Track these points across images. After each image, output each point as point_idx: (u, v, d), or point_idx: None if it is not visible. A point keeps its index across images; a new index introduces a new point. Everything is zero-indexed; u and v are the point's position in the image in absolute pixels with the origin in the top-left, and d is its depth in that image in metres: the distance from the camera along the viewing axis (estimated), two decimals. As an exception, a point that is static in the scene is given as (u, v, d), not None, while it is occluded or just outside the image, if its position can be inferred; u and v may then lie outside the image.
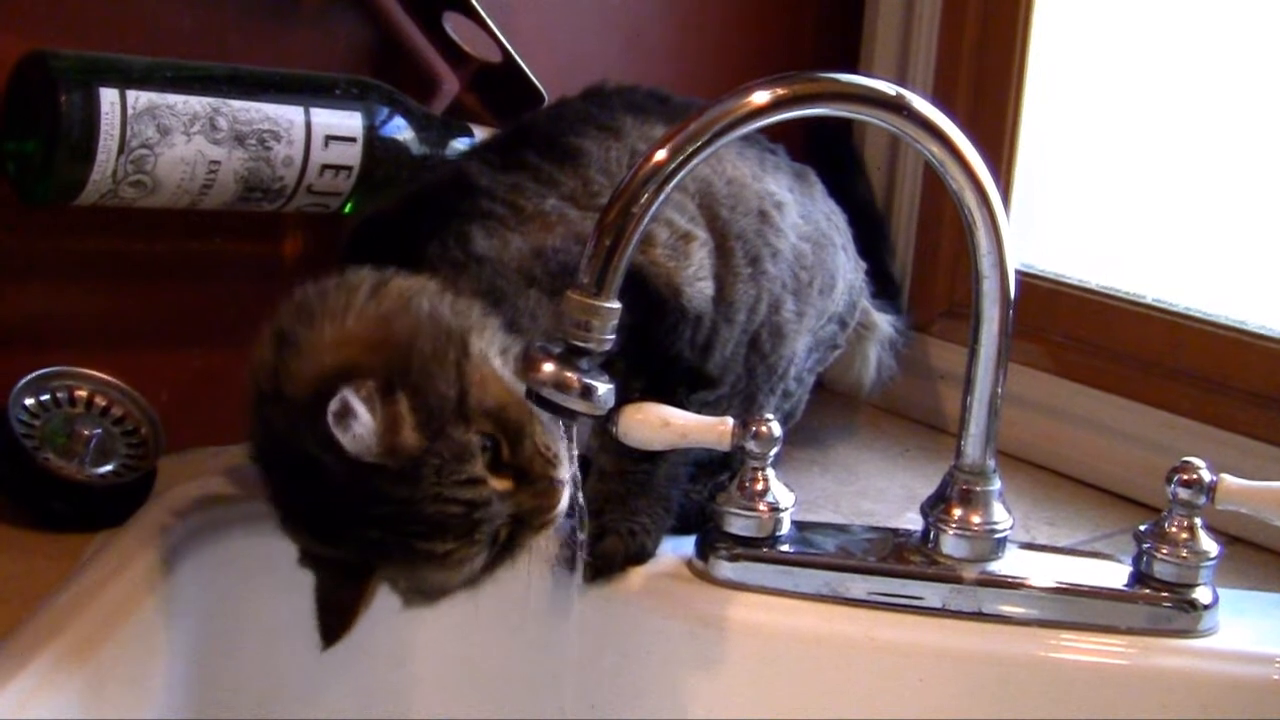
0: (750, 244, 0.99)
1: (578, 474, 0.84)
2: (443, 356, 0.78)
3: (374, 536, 0.76)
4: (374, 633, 0.97)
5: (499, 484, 0.78)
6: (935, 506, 0.93)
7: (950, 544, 0.92)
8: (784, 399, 1.08)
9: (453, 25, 1.13)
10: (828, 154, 1.16)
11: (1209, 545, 0.89)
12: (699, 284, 0.95)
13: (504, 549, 0.80)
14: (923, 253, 1.35)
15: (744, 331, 1.00)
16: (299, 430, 0.75)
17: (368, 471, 0.74)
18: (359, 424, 0.72)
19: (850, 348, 1.18)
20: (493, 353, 0.81)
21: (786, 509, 0.94)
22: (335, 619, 0.79)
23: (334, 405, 0.71)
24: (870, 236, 1.20)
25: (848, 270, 1.12)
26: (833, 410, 1.29)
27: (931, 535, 0.93)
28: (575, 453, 0.84)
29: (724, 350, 0.98)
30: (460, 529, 0.76)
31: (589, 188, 0.94)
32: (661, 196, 0.78)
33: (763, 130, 1.10)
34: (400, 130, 1.06)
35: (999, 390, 0.90)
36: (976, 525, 0.92)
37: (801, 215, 1.06)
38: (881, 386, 1.24)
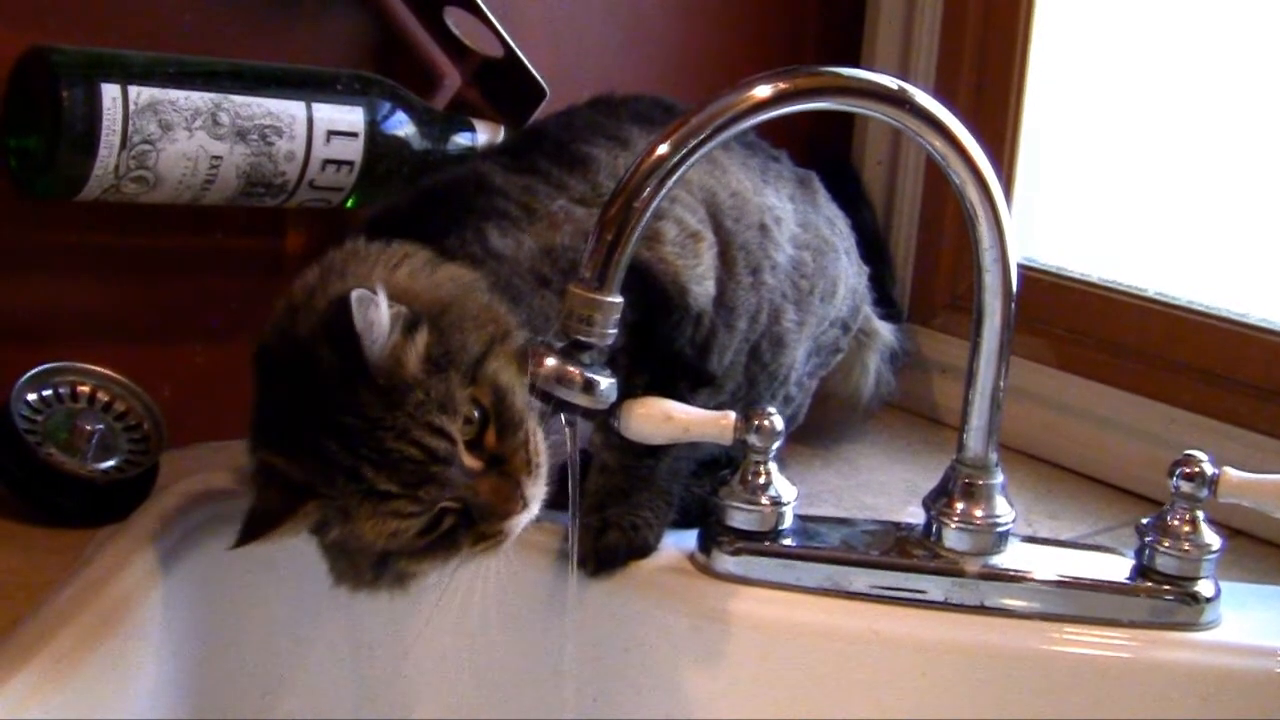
0: (752, 255, 1.00)
1: (534, 515, 0.81)
2: (481, 326, 0.80)
3: (331, 450, 0.76)
4: (374, 628, 0.97)
5: (469, 459, 0.78)
6: (937, 500, 0.93)
7: (952, 537, 0.92)
8: (785, 404, 1.08)
9: (454, 20, 1.13)
10: (831, 186, 1.16)
11: (1211, 538, 0.89)
12: (705, 283, 0.96)
13: (441, 540, 0.79)
14: (925, 247, 1.35)
15: (745, 340, 1.00)
16: (315, 326, 0.77)
17: (356, 375, 0.75)
18: (376, 314, 0.74)
19: (850, 355, 1.18)
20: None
21: (789, 503, 0.94)
22: (257, 526, 0.78)
23: (363, 290, 0.74)
24: (873, 267, 1.20)
25: (850, 275, 1.12)
26: (834, 406, 1.29)
27: (934, 529, 0.93)
28: (577, 448, 0.84)
29: (723, 355, 0.98)
30: (410, 476, 0.76)
31: (597, 191, 0.95)
32: (663, 191, 0.78)
33: (765, 138, 1.10)
34: (402, 125, 1.06)
35: (1001, 384, 0.90)
36: (979, 519, 0.92)
37: (801, 224, 1.07)
38: (879, 401, 1.24)
